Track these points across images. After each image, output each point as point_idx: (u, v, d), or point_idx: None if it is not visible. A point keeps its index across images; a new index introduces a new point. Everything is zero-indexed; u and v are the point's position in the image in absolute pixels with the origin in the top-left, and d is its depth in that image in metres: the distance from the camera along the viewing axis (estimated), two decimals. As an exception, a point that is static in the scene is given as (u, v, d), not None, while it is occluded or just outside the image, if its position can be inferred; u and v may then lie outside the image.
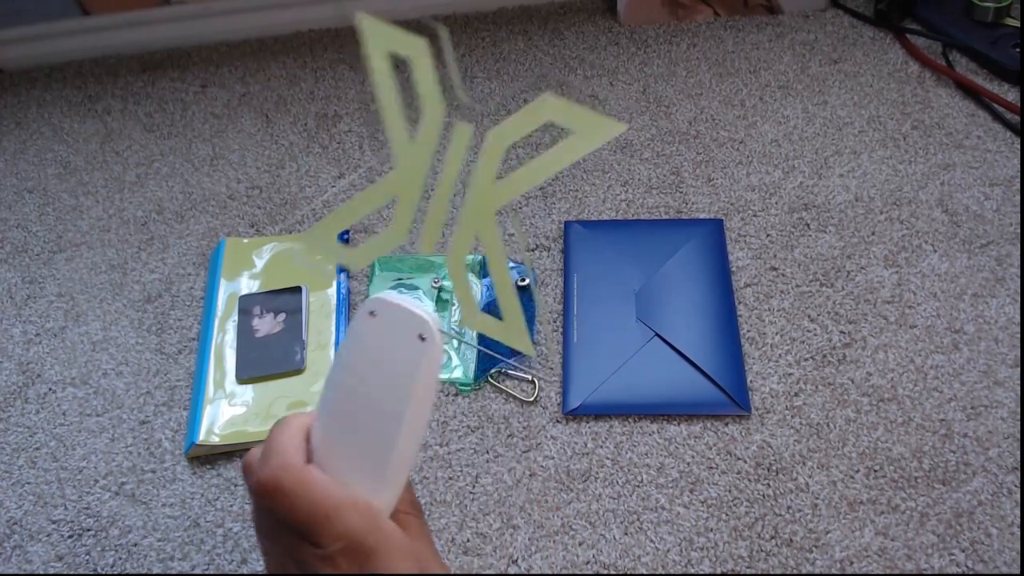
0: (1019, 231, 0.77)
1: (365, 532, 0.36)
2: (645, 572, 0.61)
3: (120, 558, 0.65)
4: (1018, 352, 0.69)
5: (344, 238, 0.80)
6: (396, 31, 0.32)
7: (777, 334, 0.72)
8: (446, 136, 0.32)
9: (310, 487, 0.37)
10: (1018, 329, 0.71)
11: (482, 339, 0.73)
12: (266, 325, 0.75)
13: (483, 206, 0.32)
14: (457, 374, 0.72)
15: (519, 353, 0.71)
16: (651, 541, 0.62)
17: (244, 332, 0.74)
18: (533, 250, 0.80)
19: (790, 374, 0.70)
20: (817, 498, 0.63)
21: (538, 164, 0.31)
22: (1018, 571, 0.59)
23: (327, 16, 1.02)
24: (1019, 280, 0.73)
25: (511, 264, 0.77)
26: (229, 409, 0.70)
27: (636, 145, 0.87)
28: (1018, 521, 0.61)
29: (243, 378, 0.71)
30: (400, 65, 0.31)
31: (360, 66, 0.98)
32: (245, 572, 0.64)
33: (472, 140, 0.32)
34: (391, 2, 1.01)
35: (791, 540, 0.61)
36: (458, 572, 0.62)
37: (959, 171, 0.81)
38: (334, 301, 0.76)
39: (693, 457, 0.66)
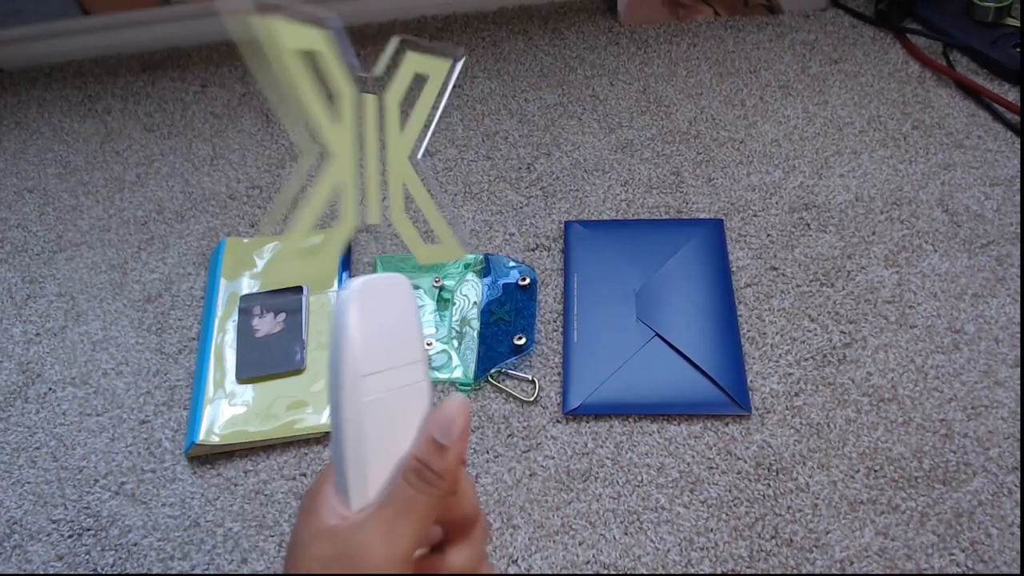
0: (1019, 231, 0.77)
1: None
2: (645, 572, 0.61)
3: (120, 558, 0.65)
4: (1018, 352, 0.69)
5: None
6: (300, 27, 0.33)
7: (777, 334, 0.72)
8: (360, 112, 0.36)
9: None
10: (1018, 329, 0.71)
11: (483, 338, 0.73)
12: (266, 325, 0.75)
13: (400, 156, 0.37)
14: (457, 374, 0.72)
15: (521, 352, 0.71)
16: (651, 541, 0.62)
17: (244, 332, 0.74)
18: (534, 250, 0.80)
19: (790, 374, 0.70)
20: (817, 498, 0.63)
21: (417, 109, 0.37)
22: (1018, 571, 0.59)
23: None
24: (1019, 280, 0.73)
25: (512, 264, 0.77)
26: (229, 409, 0.70)
27: (636, 145, 0.87)
28: (1018, 521, 0.61)
29: (243, 378, 0.71)
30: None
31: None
32: (245, 572, 0.64)
33: (378, 108, 0.36)
34: (392, 2, 1.01)
35: (791, 540, 0.61)
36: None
37: (959, 171, 0.81)
38: (333, 300, 0.76)
39: (693, 457, 0.66)
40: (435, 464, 0.34)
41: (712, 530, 0.62)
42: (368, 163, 0.36)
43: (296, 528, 0.36)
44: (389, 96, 0.36)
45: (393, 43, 0.36)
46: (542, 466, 0.66)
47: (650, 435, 0.67)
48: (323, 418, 0.69)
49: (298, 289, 0.76)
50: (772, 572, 0.60)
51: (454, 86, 0.39)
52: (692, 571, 0.61)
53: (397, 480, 0.35)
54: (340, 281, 0.77)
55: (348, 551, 0.33)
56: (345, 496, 0.36)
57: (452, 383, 0.71)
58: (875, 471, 0.64)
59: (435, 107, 0.38)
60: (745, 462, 0.65)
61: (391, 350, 0.36)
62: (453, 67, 0.38)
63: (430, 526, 0.35)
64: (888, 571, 0.60)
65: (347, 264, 0.79)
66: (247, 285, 0.78)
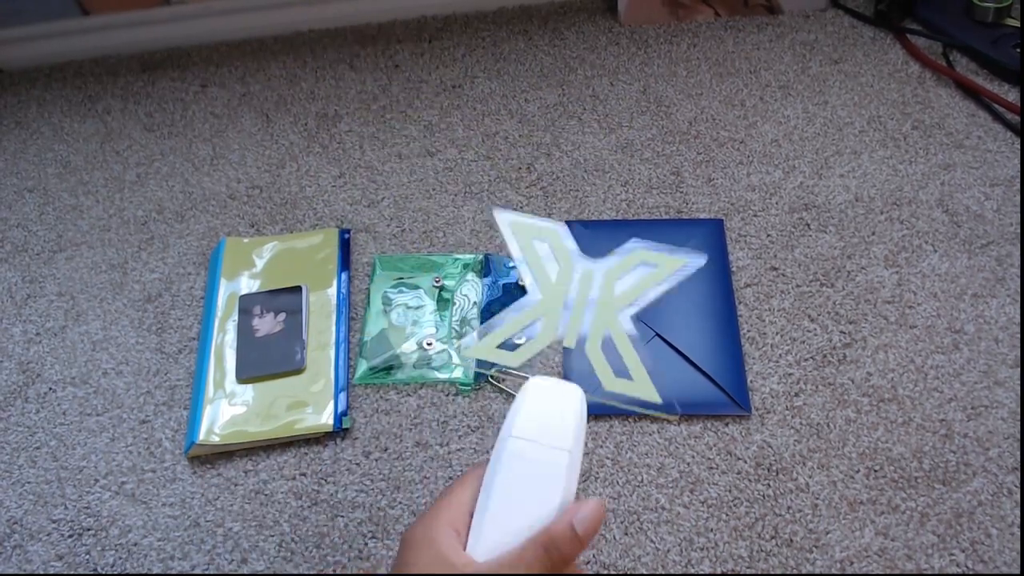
0: (1019, 231, 0.77)
1: None
2: (645, 572, 0.61)
3: (120, 558, 0.65)
4: (1018, 352, 0.69)
5: (345, 237, 0.80)
6: (533, 223, 0.49)
7: (777, 334, 0.72)
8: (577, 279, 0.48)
9: None
10: (1018, 329, 0.71)
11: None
12: (266, 325, 0.75)
13: (609, 310, 0.47)
14: (457, 374, 0.72)
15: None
16: (651, 541, 0.62)
17: (244, 332, 0.74)
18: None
19: (790, 374, 0.70)
20: (817, 498, 0.63)
21: (638, 283, 0.48)
22: (1018, 571, 0.59)
23: (327, 16, 1.02)
24: (1019, 280, 0.73)
25: (512, 264, 0.77)
26: (229, 409, 0.70)
27: (636, 145, 0.87)
28: (1018, 521, 0.61)
29: (243, 378, 0.71)
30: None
31: (360, 65, 0.98)
32: (245, 572, 0.64)
33: (592, 275, 0.48)
34: (392, 2, 1.01)
35: (791, 540, 0.61)
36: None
37: (959, 171, 0.81)
38: (334, 301, 0.76)
39: (693, 457, 0.66)
40: (565, 547, 0.39)
41: (712, 530, 0.62)
42: (576, 307, 0.48)
43: (411, 555, 0.40)
44: (610, 271, 0.48)
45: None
46: (542, 466, 0.66)
47: (650, 435, 0.67)
48: (323, 418, 0.69)
49: (298, 289, 0.76)
50: (772, 572, 0.60)
51: (675, 281, 0.49)
52: (692, 571, 0.61)
53: (528, 543, 0.39)
54: (339, 280, 0.77)
55: None
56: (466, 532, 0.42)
57: (453, 383, 0.71)
58: (875, 471, 0.64)
59: (653, 288, 0.48)
60: (745, 462, 0.65)
61: (544, 430, 0.44)
62: (684, 268, 0.49)
63: None
64: (888, 571, 0.60)
65: (346, 264, 0.79)
66: (247, 285, 0.78)
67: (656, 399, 0.45)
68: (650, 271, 0.48)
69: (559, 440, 0.44)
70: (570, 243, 0.49)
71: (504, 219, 0.49)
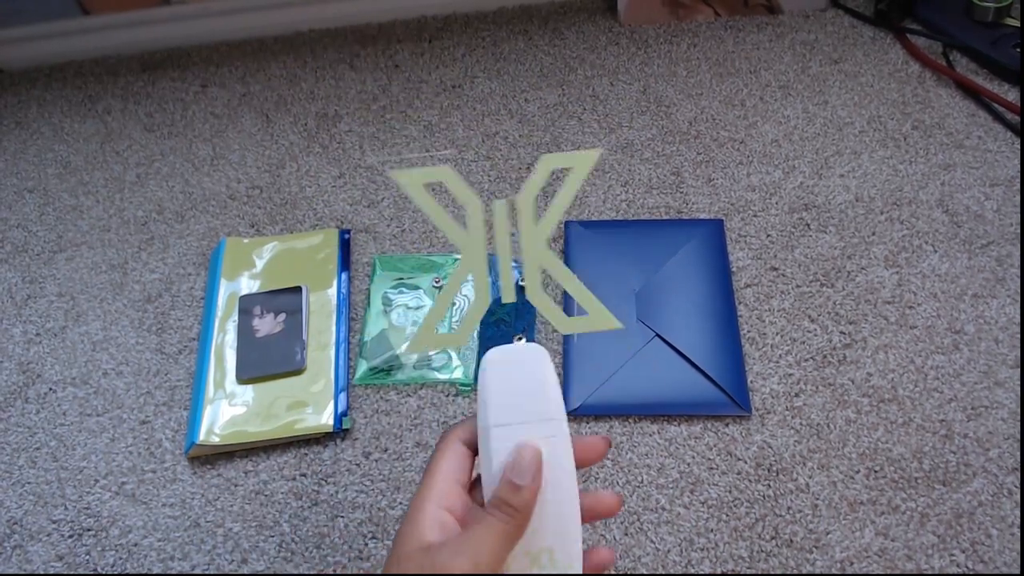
0: (1019, 231, 0.76)
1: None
2: (645, 572, 0.61)
3: (120, 558, 0.65)
4: (1018, 353, 0.69)
5: (345, 237, 0.80)
6: (423, 170, 0.43)
7: (777, 334, 0.72)
8: (489, 217, 0.43)
9: None
10: (1019, 329, 0.71)
11: (483, 339, 0.73)
12: (266, 325, 0.75)
13: (536, 243, 0.43)
14: (457, 374, 0.72)
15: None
16: (651, 542, 0.62)
17: (244, 332, 0.74)
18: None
19: (790, 374, 0.70)
20: (817, 499, 0.63)
21: (557, 198, 0.43)
22: (1018, 572, 0.59)
23: (327, 16, 1.02)
24: (1019, 280, 0.73)
25: (513, 263, 0.77)
26: (229, 409, 0.70)
27: (636, 145, 0.87)
28: (1019, 522, 0.61)
29: (243, 378, 0.71)
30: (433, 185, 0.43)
31: (360, 65, 0.98)
32: (245, 572, 0.64)
33: (509, 210, 0.43)
34: (392, 2, 1.01)
35: (791, 541, 0.61)
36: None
37: (959, 171, 0.81)
38: (334, 301, 0.76)
39: (693, 458, 0.66)
40: (512, 500, 0.40)
41: (712, 531, 0.62)
42: (500, 253, 0.43)
43: (397, 539, 0.41)
44: (523, 196, 0.42)
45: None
46: (542, 466, 0.66)
47: (650, 436, 0.67)
48: (323, 418, 0.69)
49: (298, 289, 0.76)
50: (772, 573, 0.60)
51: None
52: (692, 571, 0.61)
53: (485, 515, 0.40)
54: (339, 281, 0.77)
55: (439, 563, 0.39)
56: None
57: (453, 383, 0.71)
58: (875, 472, 0.64)
59: (570, 196, 0.43)
60: (745, 463, 0.65)
61: (522, 408, 0.42)
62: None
63: (509, 550, 0.40)
64: (888, 572, 0.60)
65: (346, 264, 0.79)
66: (247, 285, 0.78)
67: (616, 323, 0.42)
68: (567, 178, 0.43)
69: (543, 411, 0.42)
70: (467, 188, 0.44)
71: (403, 180, 0.44)
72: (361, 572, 0.63)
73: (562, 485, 0.41)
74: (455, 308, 0.75)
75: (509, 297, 0.43)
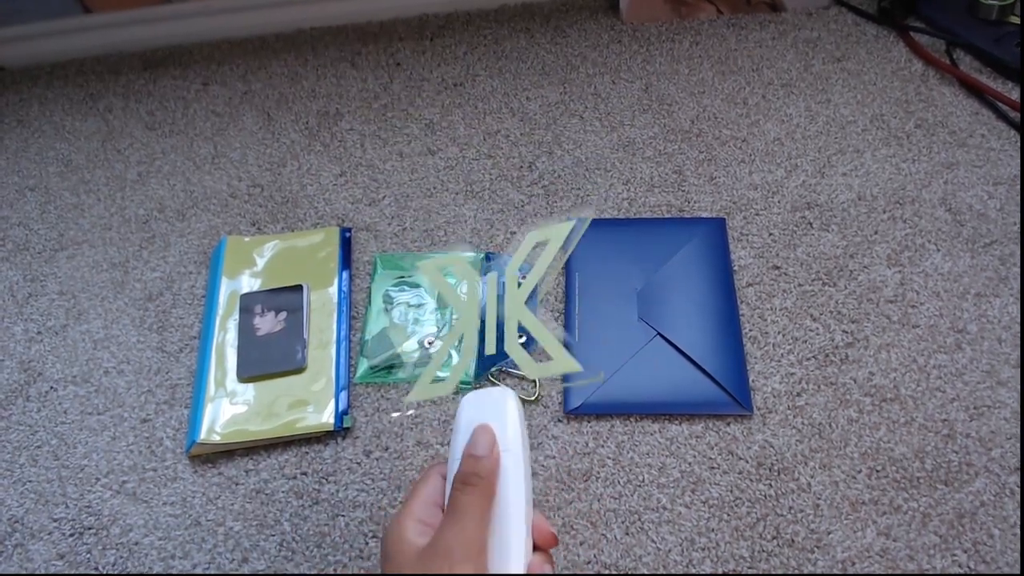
0: (1021, 230, 0.76)
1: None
2: (646, 572, 0.61)
3: (121, 556, 0.65)
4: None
5: (346, 236, 0.80)
6: (441, 259, 0.54)
7: (779, 333, 0.72)
8: (485, 288, 0.52)
9: None
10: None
11: (484, 337, 0.73)
12: (267, 323, 0.74)
13: (516, 304, 0.49)
14: (458, 373, 0.71)
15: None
16: (652, 541, 0.62)
17: (245, 330, 0.74)
18: (535, 248, 0.79)
19: (792, 374, 0.69)
20: (819, 498, 0.63)
21: (535, 268, 0.49)
22: (1020, 572, 0.59)
23: (329, 14, 1.02)
24: (1020, 279, 0.73)
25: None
26: (230, 408, 0.70)
27: (638, 143, 0.87)
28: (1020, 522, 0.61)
29: (244, 376, 0.71)
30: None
31: (361, 63, 0.98)
32: (246, 571, 0.64)
33: (500, 280, 0.51)
34: (395, 0, 1.01)
35: (793, 540, 0.61)
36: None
37: (962, 170, 0.81)
38: (335, 299, 0.76)
39: (695, 457, 0.66)
40: (476, 469, 0.44)
41: (713, 530, 0.62)
42: (488, 314, 0.50)
43: (387, 555, 0.44)
44: (509, 268, 0.51)
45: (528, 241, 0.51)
46: (543, 466, 0.66)
47: (651, 435, 0.67)
48: (324, 417, 0.69)
49: (298, 287, 0.76)
50: (773, 572, 0.60)
51: (573, 243, 0.51)
52: (693, 571, 0.61)
53: (451, 493, 0.44)
54: (340, 279, 0.77)
55: (433, 557, 0.43)
56: None
57: (453, 382, 0.71)
58: (877, 471, 0.64)
59: (554, 262, 0.50)
60: (747, 462, 0.65)
61: None
62: (575, 229, 0.50)
63: (487, 519, 0.44)
64: (890, 572, 0.60)
65: (347, 263, 0.79)
66: (248, 283, 0.78)
67: (576, 368, 0.46)
68: (544, 249, 0.50)
69: (501, 442, 0.46)
70: (471, 269, 0.55)
71: (426, 269, 0.55)
72: (362, 572, 0.63)
73: (508, 512, 0.45)
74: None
75: (491, 349, 0.50)
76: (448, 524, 0.43)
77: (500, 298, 0.50)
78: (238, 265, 0.79)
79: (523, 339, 0.71)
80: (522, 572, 0.44)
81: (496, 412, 0.47)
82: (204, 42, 1.03)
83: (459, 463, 0.45)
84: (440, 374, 0.54)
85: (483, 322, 0.51)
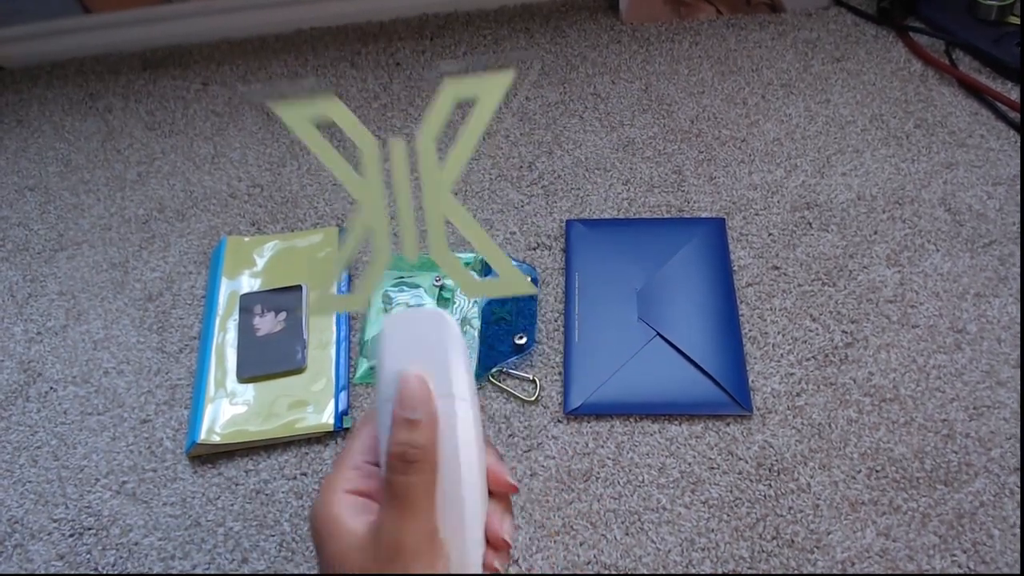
0: (1020, 230, 0.76)
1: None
2: (646, 572, 0.61)
3: (121, 557, 0.65)
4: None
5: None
6: (307, 103, 0.37)
7: (779, 334, 0.72)
8: (385, 157, 0.38)
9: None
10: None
11: (484, 338, 0.73)
12: (267, 324, 0.74)
13: (439, 192, 0.37)
14: (458, 373, 0.71)
15: (522, 351, 0.71)
16: (652, 541, 0.62)
17: (245, 331, 0.74)
18: (535, 249, 0.79)
19: (792, 374, 0.69)
20: (819, 499, 0.63)
21: (464, 137, 0.36)
22: (1020, 572, 0.59)
23: (328, 14, 1.02)
24: (1020, 280, 0.73)
25: (513, 263, 0.77)
26: (230, 408, 0.70)
27: (638, 143, 0.87)
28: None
29: (244, 377, 0.71)
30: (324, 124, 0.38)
31: (361, 63, 0.98)
32: (246, 571, 0.64)
33: (407, 150, 0.37)
34: (395, 0, 1.01)
35: (792, 541, 0.61)
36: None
37: (962, 170, 0.81)
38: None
39: (694, 457, 0.66)
40: (412, 440, 0.35)
41: (713, 531, 0.62)
42: (400, 203, 0.37)
43: (323, 544, 0.37)
44: (423, 133, 0.36)
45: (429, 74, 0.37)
46: (543, 466, 0.66)
47: (651, 435, 0.67)
48: (324, 417, 0.69)
49: (298, 288, 0.76)
50: (773, 573, 0.60)
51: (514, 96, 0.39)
52: (693, 571, 0.61)
53: (387, 476, 0.36)
54: (339, 280, 0.77)
55: (384, 553, 0.35)
56: None
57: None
58: (877, 471, 0.64)
59: (480, 132, 0.37)
60: (746, 462, 0.65)
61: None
62: (523, 75, 0.37)
63: (435, 498, 0.36)
64: (889, 572, 0.60)
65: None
66: (248, 284, 0.78)
67: (530, 289, 0.38)
68: (473, 110, 0.36)
69: (442, 386, 0.37)
70: (359, 125, 0.37)
71: (286, 115, 0.38)
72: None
73: (459, 470, 0.36)
74: (455, 307, 0.75)
75: (411, 254, 0.38)
76: (391, 513, 0.36)
77: (413, 186, 0.37)
78: (238, 265, 0.79)
79: (522, 339, 0.71)
80: (479, 532, 0.37)
81: (432, 342, 0.37)
82: (204, 42, 1.03)
83: (388, 427, 0.36)
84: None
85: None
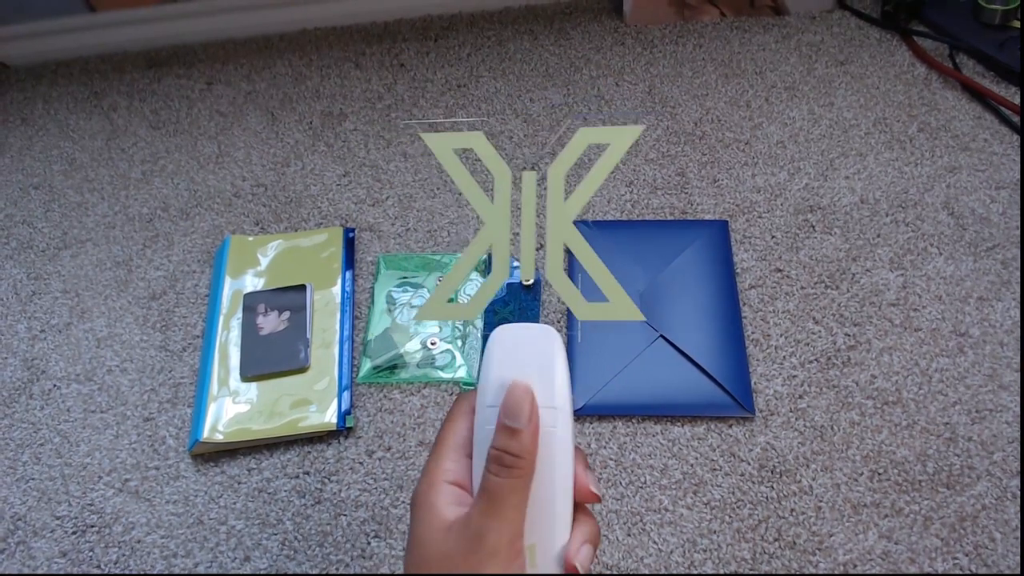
0: (1020, 234, 0.76)
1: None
2: (648, 573, 0.61)
3: (123, 555, 0.65)
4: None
5: (349, 236, 0.80)
6: (454, 135, 0.41)
7: (781, 336, 0.72)
8: (517, 188, 0.41)
9: None
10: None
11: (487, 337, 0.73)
12: (270, 323, 0.75)
13: (563, 220, 0.40)
14: (461, 374, 0.72)
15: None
16: (654, 542, 0.62)
17: (248, 330, 0.74)
18: (538, 249, 0.80)
19: (794, 376, 0.70)
20: (821, 501, 0.63)
21: (591, 176, 0.41)
22: (1020, 575, 0.59)
23: (333, 14, 1.02)
24: (1020, 284, 0.73)
25: (516, 263, 0.77)
26: (233, 407, 0.70)
27: (641, 146, 0.87)
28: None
29: (247, 376, 0.72)
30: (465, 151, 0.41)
31: (365, 64, 0.98)
32: (247, 570, 0.64)
33: (537, 182, 0.41)
34: (399, 0, 1.01)
35: (794, 543, 0.61)
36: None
37: (965, 174, 0.81)
38: (338, 299, 0.76)
39: (697, 459, 0.66)
40: (512, 448, 0.37)
41: (715, 532, 0.62)
42: (524, 228, 0.41)
43: (414, 526, 0.39)
44: (554, 168, 0.40)
45: (567, 124, 0.41)
46: (545, 466, 0.66)
47: (654, 436, 0.67)
48: (326, 416, 0.69)
49: (302, 287, 0.77)
50: (775, 574, 0.60)
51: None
52: (695, 572, 0.61)
53: (483, 474, 0.38)
54: (343, 279, 0.77)
55: (466, 542, 0.37)
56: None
57: (456, 383, 0.71)
58: (879, 474, 0.64)
59: (605, 174, 0.41)
60: (749, 464, 0.65)
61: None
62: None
63: (525, 505, 0.38)
64: (891, 574, 0.60)
65: (350, 263, 0.79)
66: (251, 283, 0.78)
67: (638, 316, 0.40)
68: (603, 154, 0.41)
69: (545, 397, 0.38)
70: (497, 157, 0.41)
71: (433, 143, 0.42)
72: (365, 573, 0.63)
73: (555, 478, 0.38)
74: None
75: (528, 275, 0.41)
76: (480, 507, 0.37)
77: (539, 213, 0.40)
78: (242, 264, 0.79)
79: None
80: (562, 545, 0.39)
81: (537, 357, 0.39)
82: (208, 42, 1.03)
83: (490, 421, 0.38)
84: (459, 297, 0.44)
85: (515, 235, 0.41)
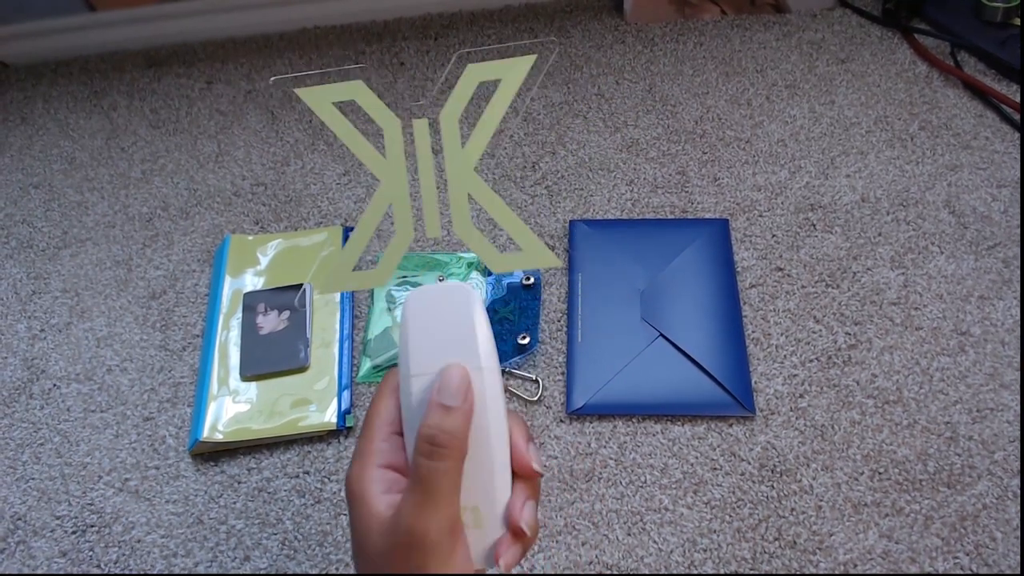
0: (1021, 233, 0.76)
1: None
2: (648, 573, 0.61)
3: (123, 554, 0.65)
4: (1024, 355, 0.69)
5: (349, 234, 0.80)
6: (331, 87, 0.40)
7: (782, 335, 0.72)
8: (408, 138, 0.39)
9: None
10: (1025, 332, 0.70)
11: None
12: (270, 322, 0.75)
13: (462, 169, 0.38)
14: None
15: (525, 351, 0.71)
16: (654, 542, 0.62)
17: (248, 329, 0.74)
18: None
19: (795, 375, 0.69)
20: (821, 500, 0.63)
21: (486, 117, 0.38)
22: (1021, 574, 0.59)
23: (333, 13, 1.02)
24: (1021, 283, 0.73)
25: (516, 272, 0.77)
26: (233, 406, 0.70)
27: (642, 144, 0.87)
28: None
29: (247, 375, 0.71)
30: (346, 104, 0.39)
31: (366, 62, 0.98)
32: (248, 570, 0.64)
33: (430, 131, 0.39)
34: (398, 0, 1.01)
35: (795, 542, 0.61)
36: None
37: (966, 172, 0.81)
38: (338, 298, 0.76)
39: (697, 458, 0.66)
40: (445, 425, 0.36)
41: (715, 531, 0.62)
42: (424, 183, 0.39)
43: (352, 519, 0.38)
44: (446, 113, 0.38)
45: (452, 61, 0.38)
46: (545, 466, 0.66)
47: (654, 436, 0.67)
48: (326, 416, 0.69)
49: (301, 286, 0.76)
50: (775, 574, 0.60)
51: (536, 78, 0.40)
52: (695, 572, 0.61)
53: (414, 459, 0.36)
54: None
55: (403, 540, 0.36)
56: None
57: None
58: (879, 473, 0.64)
59: (501, 112, 0.39)
60: (749, 463, 0.65)
61: (445, 355, 0.37)
62: (545, 59, 0.38)
63: (459, 486, 0.37)
64: (892, 574, 0.59)
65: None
66: (251, 282, 0.78)
67: (554, 261, 0.38)
68: (496, 93, 0.38)
69: (469, 358, 0.37)
70: (384, 108, 0.39)
71: (309, 98, 0.40)
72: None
73: (490, 439, 0.37)
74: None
75: (433, 232, 0.40)
76: (412, 499, 0.36)
77: (437, 163, 0.38)
78: (241, 264, 0.79)
79: (525, 338, 0.71)
80: (501, 510, 0.38)
81: (456, 317, 0.37)
82: (208, 40, 1.03)
83: (414, 396, 0.36)
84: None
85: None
